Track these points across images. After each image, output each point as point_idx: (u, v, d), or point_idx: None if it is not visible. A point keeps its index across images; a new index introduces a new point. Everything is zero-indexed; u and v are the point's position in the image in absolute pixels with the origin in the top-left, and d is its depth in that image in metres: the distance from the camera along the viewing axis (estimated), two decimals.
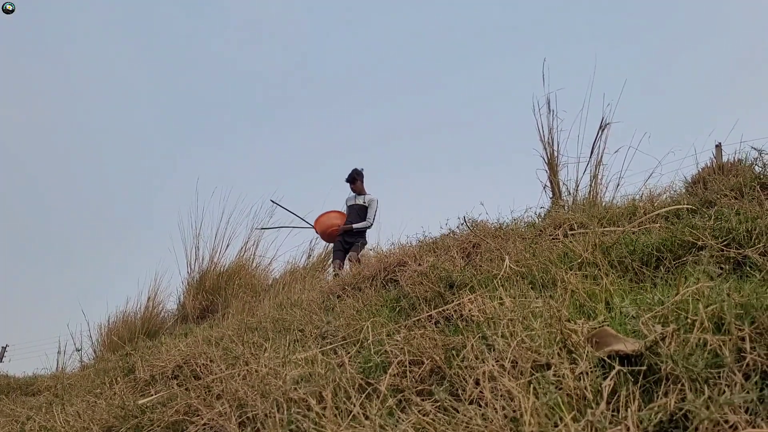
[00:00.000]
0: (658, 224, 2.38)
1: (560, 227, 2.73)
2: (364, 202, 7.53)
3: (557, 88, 5.45)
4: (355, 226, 7.31)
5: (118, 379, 2.54)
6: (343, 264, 7.15)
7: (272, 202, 8.23)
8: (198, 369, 2.23)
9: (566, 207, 4.87)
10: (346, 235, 7.38)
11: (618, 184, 4.86)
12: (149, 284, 7.96)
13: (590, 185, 5.10)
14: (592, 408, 1.18)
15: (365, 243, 7.57)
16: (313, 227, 8.03)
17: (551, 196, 5.31)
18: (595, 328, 1.51)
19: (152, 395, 2.12)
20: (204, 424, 1.71)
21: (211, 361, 2.25)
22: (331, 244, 7.65)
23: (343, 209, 7.76)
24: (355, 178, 7.68)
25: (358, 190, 7.62)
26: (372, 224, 7.45)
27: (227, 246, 8.40)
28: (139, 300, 7.93)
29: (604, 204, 4.66)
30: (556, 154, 5.38)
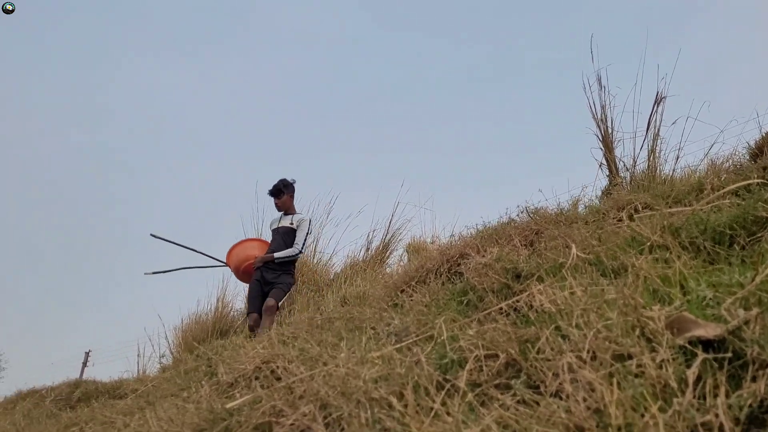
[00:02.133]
0: (728, 200, 2.32)
1: (624, 209, 2.69)
2: (292, 224, 5.74)
3: (607, 64, 5.31)
4: (276, 255, 5.50)
5: (203, 382, 2.66)
6: (261, 317, 5.37)
7: (153, 236, 6.28)
8: (278, 370, 2.32)
9: (624, 183, 4.78)
10: (265, 270, 5.53)
11: (678, 157, 4.73)
12: (218, 285, 8.21)
13: (648, 159, 4.98)
14: (677, 397, 1.19)
15: (292, 283, 5.72)
16: (225, 263, 6.29)
17: (608, 173, 5.22)
18: (673, 314, 1.50)
19: (237, 397, 2.22)
20: (291, 425, 1.78)
21: (289, 362, 2.34)
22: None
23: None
24: (280, 191, 5.81)
25: (286, 208, 5.85)
26: (301, 252, 5.67)
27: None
28: (210, 301, 8.18)
29: (663, 177, 4.56)
30: (610, 131, 5.27)
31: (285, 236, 5.68)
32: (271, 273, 5.54)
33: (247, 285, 5.86)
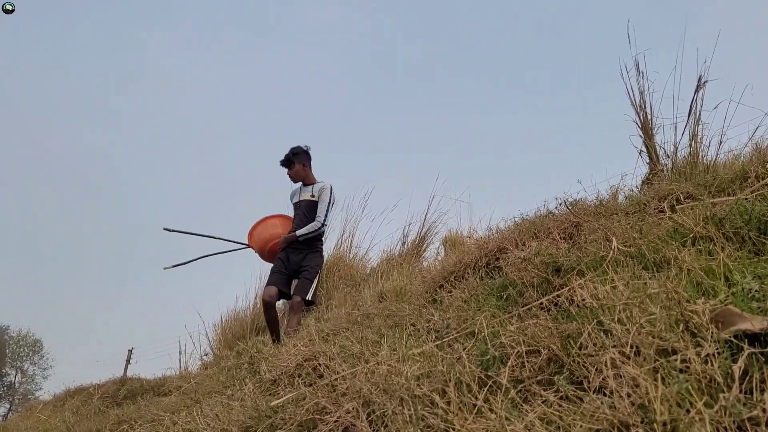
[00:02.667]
0: None
1: (665, 199, 2.65)
2: (313, 195, 5.22)
3: (645, 49, 5.20)
4: (299, 233, 5.04)
5: (246, 380, 2.72)
6: (280, 296, 5.02)
7: (166, 230, 5.91)
8: (320, 368, 2.36)
9: (665, 170, 4.69)
10: (290, 250, 5.12)
11: (720, 142, 4.62)
12: (255, 282, 8.33)
13: (690, 145, 4.87)
14: (723, 392, 1.17)
15: (320, 263, 5.25)
16: (249, 245, 5.81)
17: (648, 161, 5.12)
18: (717, 308, 1.48)
19: (280, 395, 2.26)
20: (335, 422, 1.81)
21: (331, 359, 2.37)
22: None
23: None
24: (290, 160, 5.26)
25: (301, 178, 5.32)
26: (324, 225, 5.15)
27: (325, 239, 8.58)
28: (248, 298, 8.31)
29: (706, 163, 4.45)
30: (649, 117, 5.16)
31: (307, 210, 5.19)
32: (297, 253, 5.12)
33: None
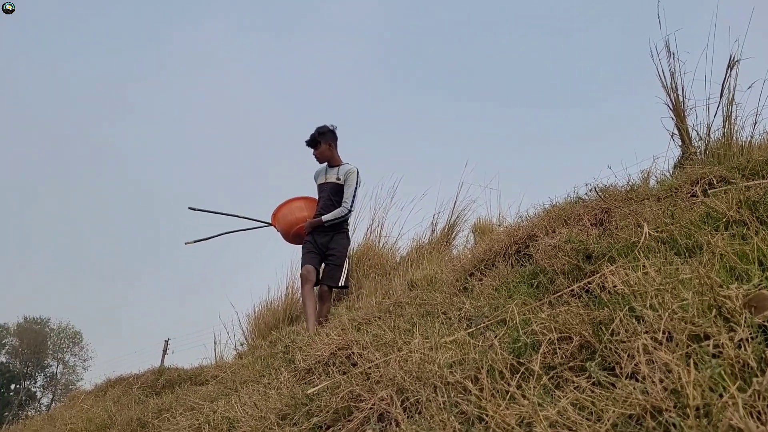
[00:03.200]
0: None
1: (698, 183, 2.62)
2: (339, 178, 5.05)
3: (675, 29, 5.10)
4: (325, 219, 4.94)
5: (281, 369, 2.78)
6: (316, 272, 4.94)
7: (192, 209, 5.71)
8: (353, 356, 2.40)
9: (698, 153, 4.62)
10: (316, 233, 5.04)
11: (755, 122, 4.53)
12: (286, 272, 8.44)
13: (723, 127, 4.79)
14: (756, 377, 1.18)
15: (347, 245, 5.16)
16: (272, 224, 5.71)
17: (680, 144, 5.04)
18: (751, 292, 1.47)
19: (315, 383, 2.31)
20: (369, 409, 1.85)
21: (364, 348, 2.41)
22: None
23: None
24: (316, 140, 5.10)
25: (327, 159, 5.15)
26: (350, 210, 5.02)
27: (354, 229, 8.60)
28: (279, 288, 8.43)
29: (741, 144, 4.38)
30: (681, 99, 5.07)
31: (333, 193, 5.04)
32: (323, 235, 5.02)
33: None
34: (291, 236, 5.49)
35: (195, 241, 5.71)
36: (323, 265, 5.08)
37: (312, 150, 5.15)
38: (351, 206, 5.03)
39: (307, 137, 5.17)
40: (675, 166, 5.41)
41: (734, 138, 4.57)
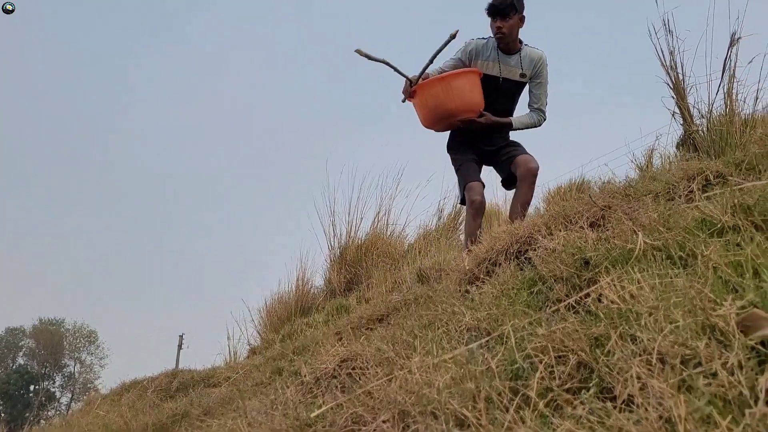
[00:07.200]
0: None
1: (694, 180, 2.60)
2: (524, 73, 3.69)
3: (673, 7, 5.04)
4: (516, 125, 3.76)
5: (288, 383, 2.80)
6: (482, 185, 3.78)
7: (358, 52, 4.28)
8: (357, 370, 2.42)
9: (700, 131, 4.61)
10: (483, 137, 3.79)
11: (757, 98, 4.52)
12: (296, 265, 8.48)
13: (725, 103, 4.77)
14: (750, 407, 1.17)
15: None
16: (411, 98, 3.94)
17: (682, 122, 5.03)
18: (745, 308, 1.47)
19: (320, 398, 2.34)
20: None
21: (367, 361, 2.43)
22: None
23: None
24: (512, 5, 3.55)
25: (512, 39, 3.67)
26: (545, 119, 3.87)
27: (361, 219, 8.58)
28: (289, 280, 8.47)
29: (743, 118, 4.37)
30: (681, 77, 5.03)
31: (514, 92, 3.79)
32: (487, 141, 3.81)
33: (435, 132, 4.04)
34: (437, 118, 3.88)
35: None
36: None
37: (493, 20, 3.63)
38: (545, 114, 3.91)
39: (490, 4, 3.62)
40: (677, 146, 5.40)
41: (736, 114, 4.55)
